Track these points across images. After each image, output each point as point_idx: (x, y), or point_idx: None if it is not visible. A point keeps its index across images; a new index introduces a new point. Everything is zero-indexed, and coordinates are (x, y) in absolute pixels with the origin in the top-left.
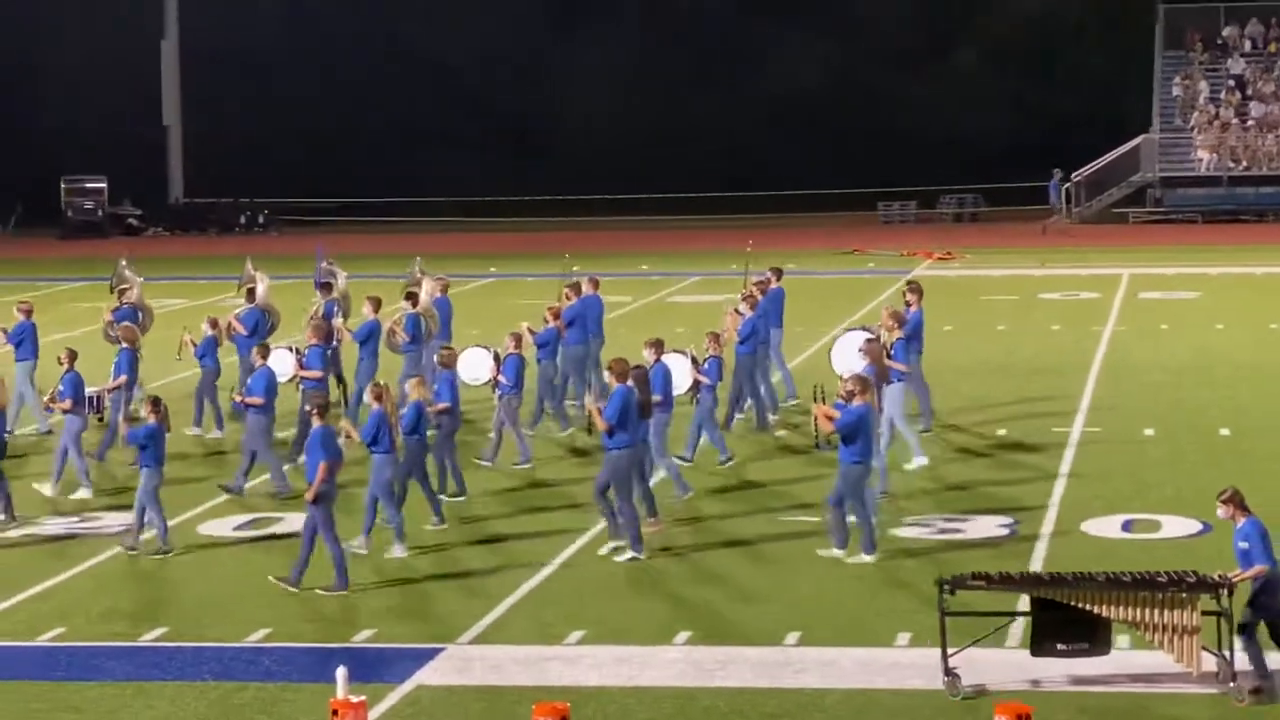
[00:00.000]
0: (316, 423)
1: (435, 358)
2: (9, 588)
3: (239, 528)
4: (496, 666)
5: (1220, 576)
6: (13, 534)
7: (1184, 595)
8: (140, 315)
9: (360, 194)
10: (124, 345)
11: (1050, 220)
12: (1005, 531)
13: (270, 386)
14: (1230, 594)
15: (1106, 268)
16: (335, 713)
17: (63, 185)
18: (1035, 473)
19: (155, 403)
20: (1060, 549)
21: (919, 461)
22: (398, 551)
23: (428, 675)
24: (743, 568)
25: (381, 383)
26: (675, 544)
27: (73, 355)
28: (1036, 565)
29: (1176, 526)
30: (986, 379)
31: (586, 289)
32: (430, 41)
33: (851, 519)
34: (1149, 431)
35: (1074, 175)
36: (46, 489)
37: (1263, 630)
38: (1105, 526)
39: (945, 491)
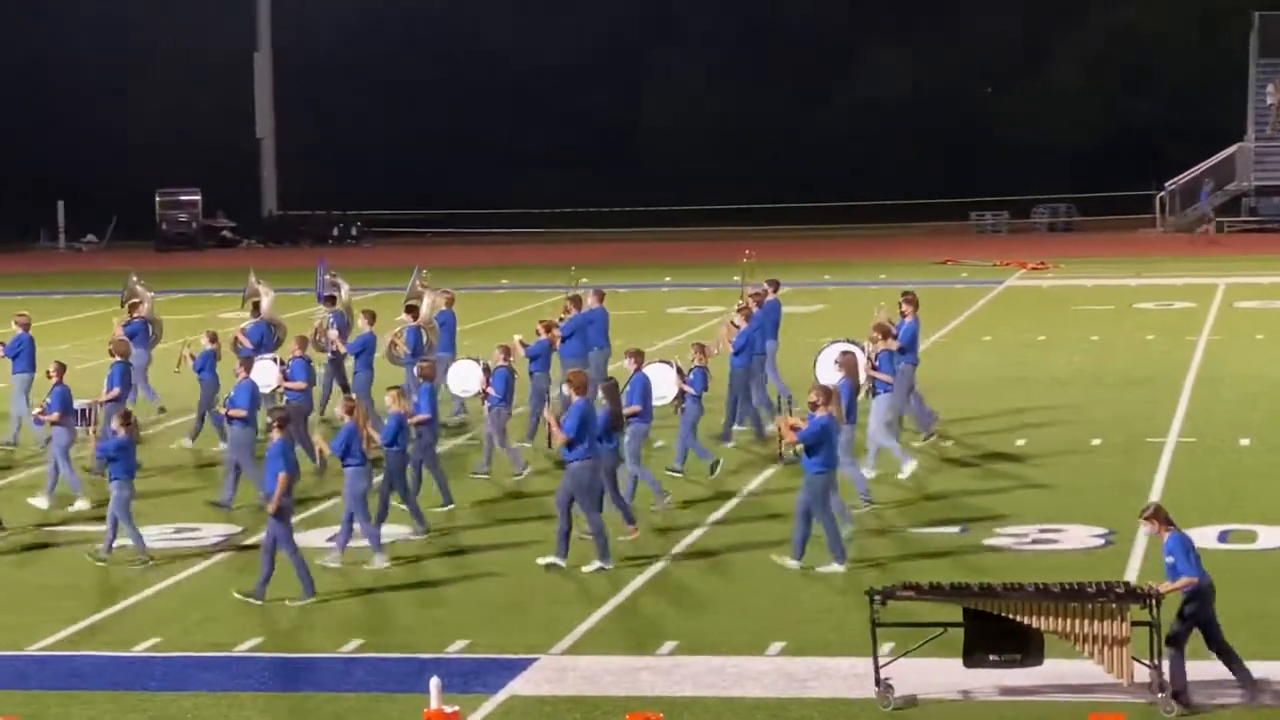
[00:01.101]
0: (276, 435)
1: (415, 370)
2: (106, 598)
3: (331, 539)
4: (590, 677)
5: (1149, 587)
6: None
7: (1113, 606)
8: (151, 329)
9: (452, 206)
10: (117, 359)
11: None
12: (1100, 542)
13: (253, 399)
14: (1158, 605)
15: (1201, 277)
16: None
17: (157, 198)
18: (1130, 483)
19: (126, 416)
20: (1156, 561)
21: (908, 469)
22: (378, 563)
23: (521, 685)
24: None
25: (353, 396)
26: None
27: (61, 368)
28: (1131, 577)
29: (1273, 537)
30: (1080, 389)
31: (591, 302)
32: (523, 53)
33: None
34: (1245, 441)
35: (1167, 184)
36: (40, 501)
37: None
38: (1201, 537)
39: (1038, 502)
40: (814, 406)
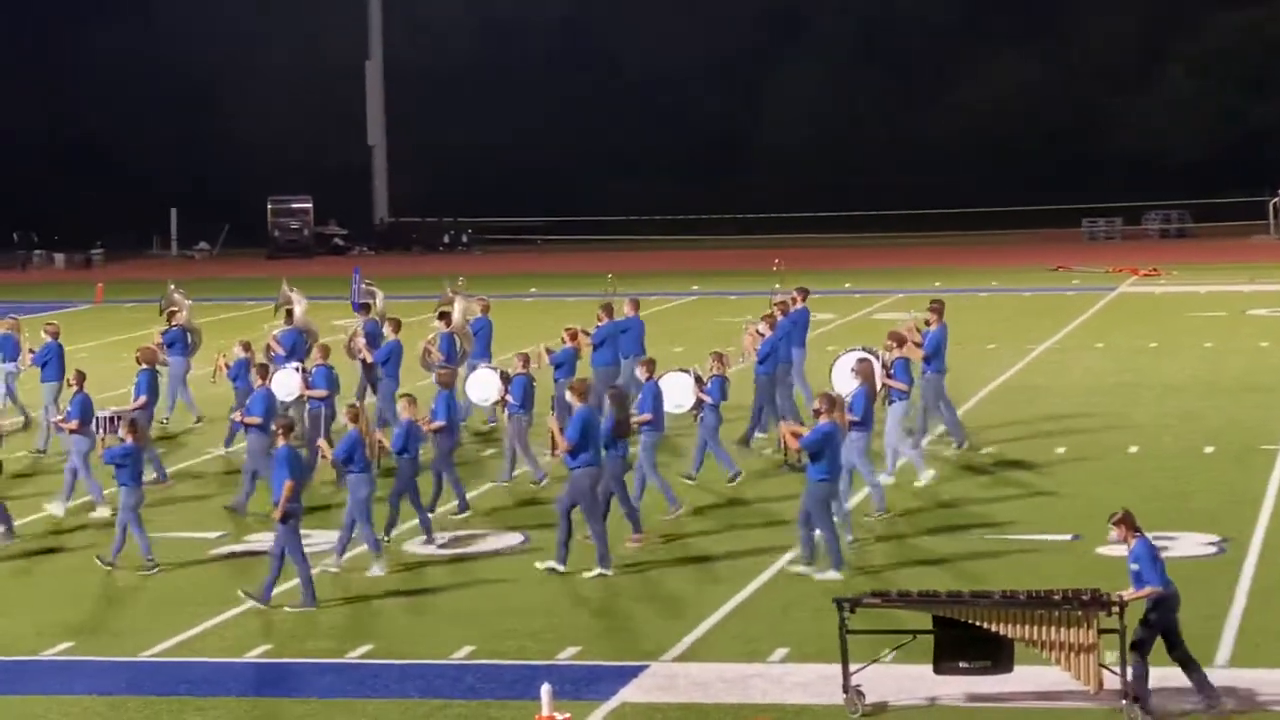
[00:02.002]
0: (281, 442)
1: (434, 378)
2: (219, 603)
3: (443, 545)
4: (701, 684)
5: (1116, 596)
6: (223, 550)
7: (1079, 613)
8: (190, 337)
9: (563, 212)
10: (144, 366)
11: None
12: (1213, 550)
13: (269, 407)
14: (1124, 612)
15: None
16: None
17: (269, 205)
18: (1243, 490)
19: (133, 424)
20: (1271, 569)
21: (886, 478)
22: (376, 570)
23: (632, 693)
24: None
25: (356, 403)
26: (870, 562)
27: (81, 377)
28: (1244, 586)
29: None
30: (1193, 395)
31: (627, 310)
32: (635, 58)
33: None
34: None
35: None
36: (56, 508)
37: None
38: None
39: (1150, 509)
40: (817, 414)
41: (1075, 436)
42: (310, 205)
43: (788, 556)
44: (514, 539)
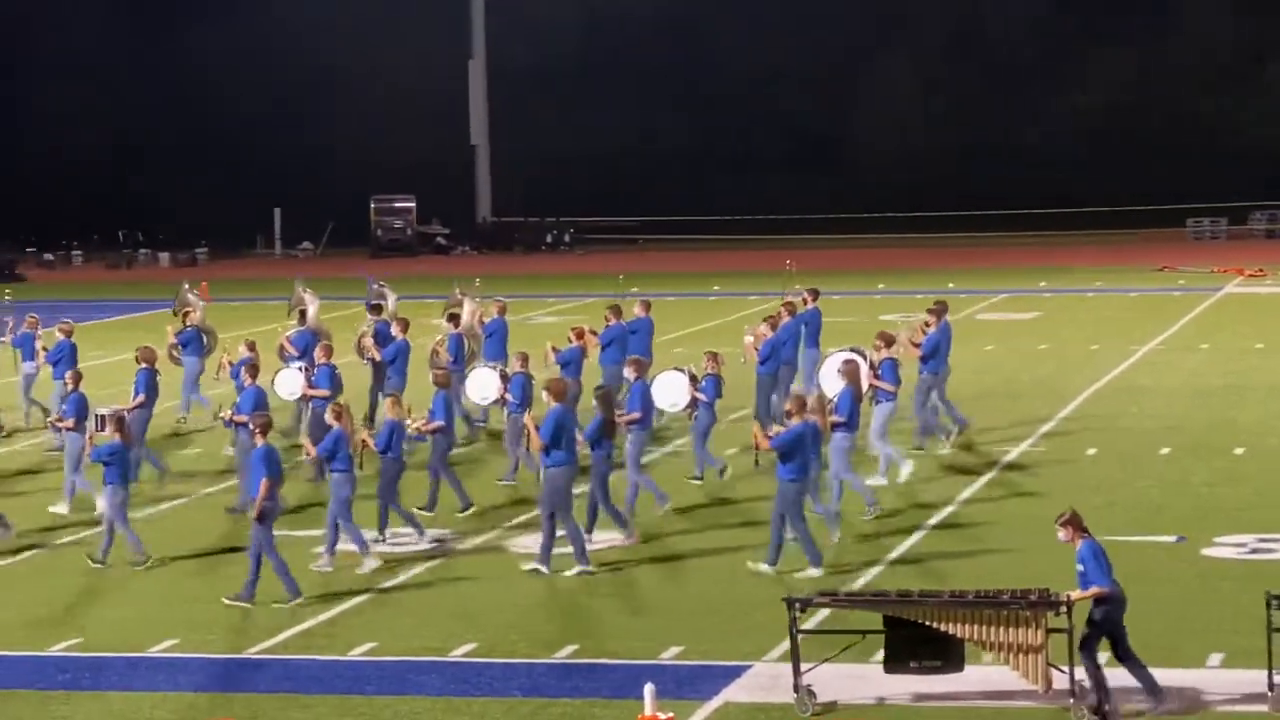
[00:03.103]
0: (259, 442)
1: (430, 378)
2: (322, 603)
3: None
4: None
5: (1064, 595)
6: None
7: (1026, 613)
8: (205, 337)
9: (665, 212)
10: (143, 365)
11: None
12: None
13: (259, 405)
14: (1070, 612)
15: None
16: None
17: (372, 205)
18: None
19: (119, 421)
20: None
21: (879, 480)
22: (368, 565)
23: (735, 692)
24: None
25: (341, 402)
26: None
27: (78, 377)
28: None
29: None
30: None
31: (638, 311)
32: (734, 58)
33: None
34: None
35: None
36: (61, 508)
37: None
38: None
39: (1257, 510)
40: (789, 415)
41: (1180, 437)
42: (413, 204)
43: (897, 553)
44: (617, 536)
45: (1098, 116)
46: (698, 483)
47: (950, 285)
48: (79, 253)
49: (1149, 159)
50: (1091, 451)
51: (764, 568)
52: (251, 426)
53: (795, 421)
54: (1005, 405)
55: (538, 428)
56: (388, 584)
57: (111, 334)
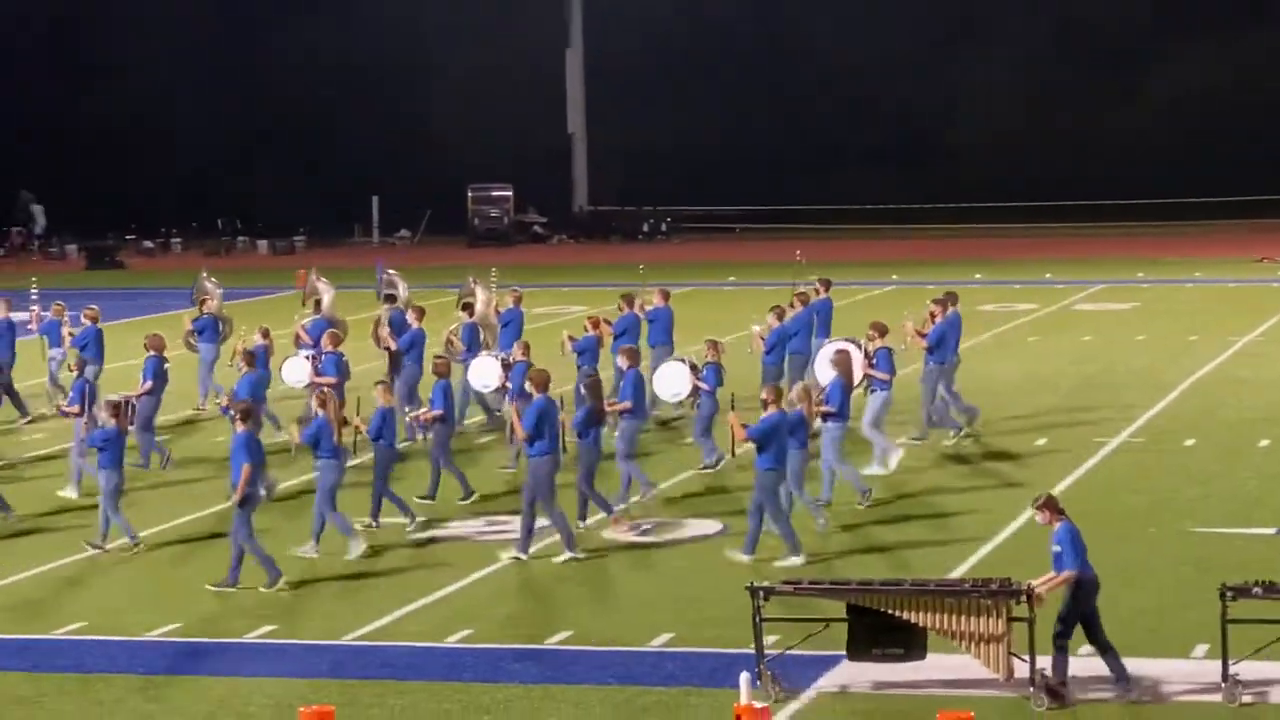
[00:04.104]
0: (239, 428)
1: (431, 366)
2: (420, 588)
3: (644, 532)
4: (899, 673)
5: (1026, 584)
6: (421, 535)
7: (988, 602)
8: (221, 325)
9: (760, 202)
10: (151, 353)
11: None
12: None
13: (255, 393)
14: (1032, 601)
15: None
16: (738, 719)
17: (469, 193)
18: None
19: (115, 407)
20: None
21: (873, 469)
22: (354, 550)
23: (829, 683)
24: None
25: (326, 390)
26: None
27: (82, 364)
28: None
29: None
30: None
31: (657, 300)
32: (832, 47)
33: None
34: None
35: None
36: (70, 492)
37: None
38: None
39: None
40: (764, 405)
41: (1279, 429)
42: (510, 193)
43: (991, 546)
44: (714, 525)
45: (1197, 105)
46: (711, 470)
47: (1047, 276)
48: (178, 240)
49: (1249, 148)
50: (1190, 443)
51: (741, 556)
52: (232, 413)
53: (771, 411)
54: (1103, 395)
55: (520, 417)
56: (480, 573)
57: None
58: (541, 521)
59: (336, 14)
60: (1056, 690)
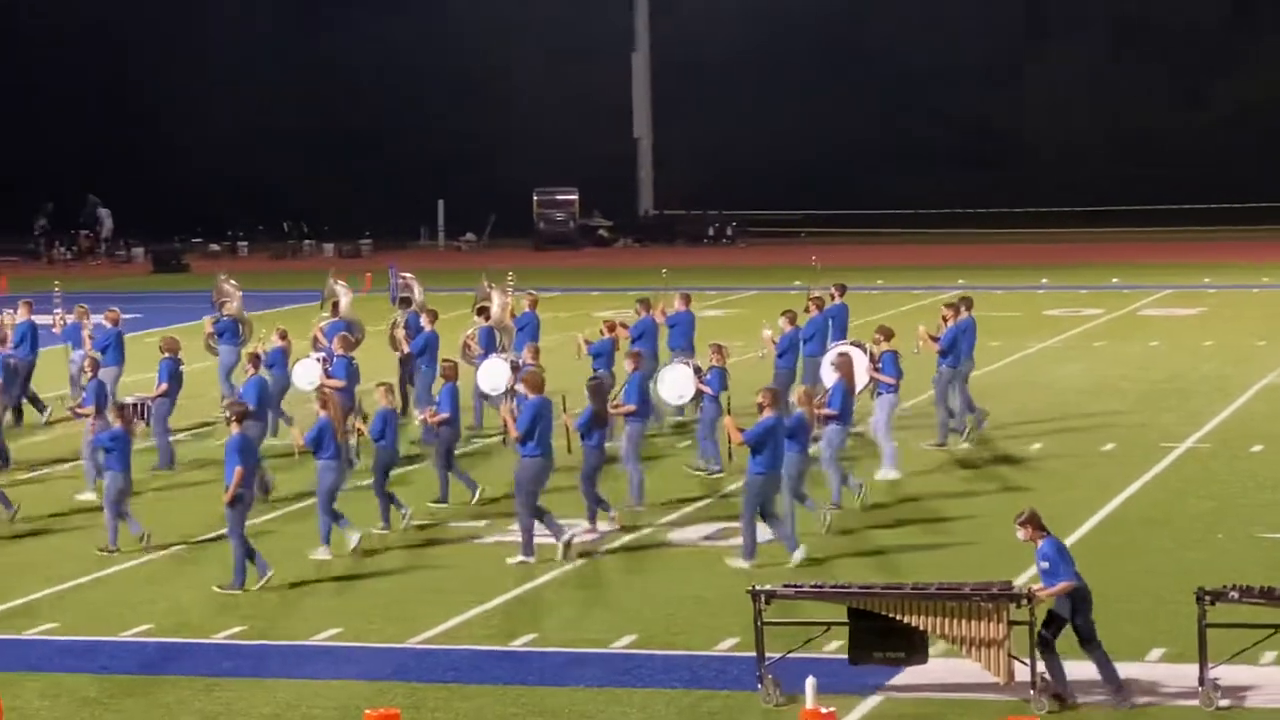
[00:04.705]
0: (233, 430)
1: (439, 369)
2: (485, 591)
3: (708, 537)
4: (969, 676)
5: (1027, 589)
6: (488, 539)
7: (988, 606)
8: (241, 328)
9: (827, 206)
10: (165, 355)
11: None
12: None
13: (261, 396)
14: (1033, 606)
15: None
16: None
17: (535, 197)
18: None
19: (121, 409)
20: None
21: (885, 474)
22: (320, 554)
23: (897, 686)
24: None
25: (327, 390)
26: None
27: (95, 365)
28: None
29: None
30: None
31: (678, 305)
32: (896, 51)
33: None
34: None
35: None
36: (88, 494)
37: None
38: None
39: None
40: (760, 408)
41: None
42: (575, 197)
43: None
44: (765, 535)
45: (1266, 109)
46: (718, 474)
47: (1115, 280)
48: (245, 243)
49: None
50: (1257, 448)
51: (742, 564)
52: (227, 414)
53: (767, 414)
54: (1171, 401)
55: (514, 418)
56: (546, 576)
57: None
58: (544, 523)
59: (405, 18)
60: (1059, 694)
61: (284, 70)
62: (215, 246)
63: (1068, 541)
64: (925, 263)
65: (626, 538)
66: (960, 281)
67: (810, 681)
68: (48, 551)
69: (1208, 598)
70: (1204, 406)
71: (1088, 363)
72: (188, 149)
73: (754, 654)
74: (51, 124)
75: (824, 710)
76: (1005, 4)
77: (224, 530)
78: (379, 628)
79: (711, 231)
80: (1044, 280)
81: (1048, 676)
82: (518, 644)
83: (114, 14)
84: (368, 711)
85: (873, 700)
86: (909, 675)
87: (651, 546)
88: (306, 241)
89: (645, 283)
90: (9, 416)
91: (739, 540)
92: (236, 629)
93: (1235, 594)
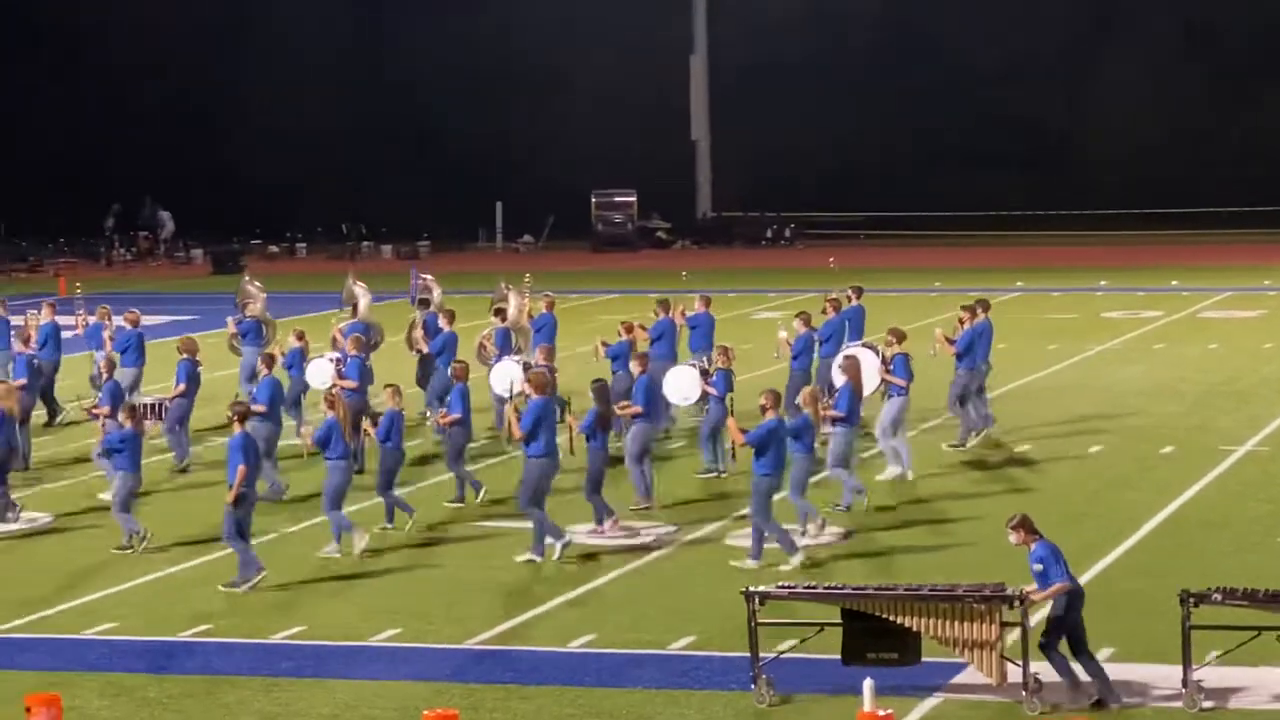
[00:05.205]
0: (236, 429)
1: (449, 370)
2: (544, 593)
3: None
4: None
5: (1020, 591)
6: (550, 542)
7: (981, 608)
8: (264, 329)
9: (886, 208)
10: (184, 356)
11: None
12: None
13: (274, 396)
14: (1026, 607)
15: None
16: None
17: (593, 199)
18: None
19: (131, 409)
20: None
21: (890, 473)
22: (328, 550)
23: (952, 690)
24: None
25: (335, 391)
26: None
27: (112, 366)
28: None
29: None
30: None
31: (698, 307)
32: (955, 54)
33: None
34: None
35: None
36: (109, 495)
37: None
38: None
39: None
40: (763, 410)
41: None
42: (634, 199)
43: (1118, 554)
44: (829, 536)
45: None
46: (723, 474)
47: (1174, 283)
48: (303, 245)
49: None
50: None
51: (748, 563)
52: (230, 414)
53: (769, 416)
54: (1230, 404)
55: (519, 418)
56: (603, 579)
57: (322, 325)
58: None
59: (463, 20)
60: (1102, 697)
61: (344, 72)
62: (274, 248)
63: (1127, 545)
64: (983, 264)
65: (686, 538)
66: (1019, 284)
67: (868, 683)
68: (103, 553)
69: (1191, 600)
70: (1263, 409)
71: (1146, 365)
72: (250, 150)
73: (816, 657)
74: (115, 127)
75: (881, 712)
76: (1064, 4)
77: (262, 532)
78: (437, 628)
79: (769, 233)
80: (1103, 282)
81: (1043, 679)
82: (575, 645)
83: (172, 18)
84: (426, 712)
85: (931, 701)
86: (968, 675)
87: (704, 545)
88: (365, 243)
89: (705, 285)
90: (44, 416)
91: (802, 541)
92: (296, 629)
93: (1218, 596)
